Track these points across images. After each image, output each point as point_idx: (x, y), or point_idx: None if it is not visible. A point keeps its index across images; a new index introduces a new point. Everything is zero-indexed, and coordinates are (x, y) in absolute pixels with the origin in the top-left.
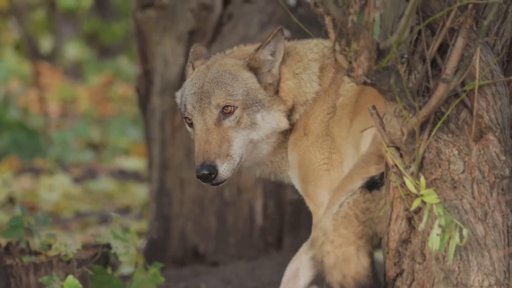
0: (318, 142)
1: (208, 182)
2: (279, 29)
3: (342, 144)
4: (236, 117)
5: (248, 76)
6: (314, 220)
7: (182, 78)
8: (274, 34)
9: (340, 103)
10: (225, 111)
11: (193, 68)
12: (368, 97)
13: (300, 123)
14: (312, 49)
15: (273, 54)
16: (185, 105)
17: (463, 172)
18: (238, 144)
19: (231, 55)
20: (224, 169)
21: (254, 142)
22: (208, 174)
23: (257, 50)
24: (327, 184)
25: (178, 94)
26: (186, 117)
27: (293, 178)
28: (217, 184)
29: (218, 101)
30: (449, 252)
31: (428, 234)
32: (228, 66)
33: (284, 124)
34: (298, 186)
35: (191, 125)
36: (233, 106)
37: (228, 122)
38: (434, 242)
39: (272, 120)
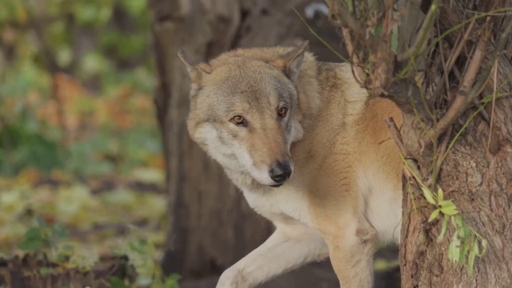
0: (328, 163)
1: (281, 183)
2: (308, 43)
3: (357, 160)
4: (287, 119)
5: (288, 82)
6: (337, 242)
7: None
8: (305, 47)
9: (351, 121)
10: (280, 113)
11: (199, 70)
12: (384, 110)
13: (300, 146)
14: (311, 67)
15: (297, 66)
16: (230, 104)
17: (480, 184)
18: (289, 146)
19: (249, 57)
20: (292, 169)
21: None
22: (287, 174)
23: (289, 59)
24: (351, 204)
25: (201, 96)
26: (234, 116)
27: (290, 202)
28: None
29: (277, 102)
30: (468, 264)
31: (446, 246)
32: (266, 69)
33: (300, 134)
34: (298, 210)
35: (239, 124)
36: (286, 108)
37: (283, 124)
38: (454, 253)
39: (296, 127)
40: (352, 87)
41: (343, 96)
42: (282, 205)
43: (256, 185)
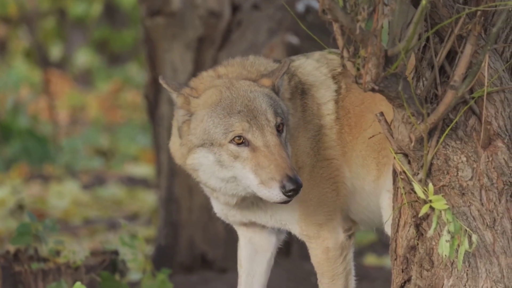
0: (317, 172)
1: (292, 198)
2: (290, 62)
3: (341, 161)
4: (285, 135)
5: (279, 99)
6: (327, 244)
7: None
8: (288, 64)
9: (329, 122)
10: (278, 129)
11: (185, 95)
12: (355, 104)
13: None
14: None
15: (282, 84)
16: (229, 125)
17: (471, 179)
18: None
19: (234, 77)
20: (302, 184)
21: None
22: (299, 188)
23: (275, 78)
24: (340, 206)
25: (194, 121)
26: (234, 137)
27: (278, 215)
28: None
29: (275, 119)
30: (458, 258)
31: (436, 240)
32: (257, 87)
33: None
34: (286, 222)
35: (240, 144)
36: (283, 124)
37: (282, 139)
38: (444, 248)
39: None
40: (319, 88)
41: (314, 100)
42: (268, 218)
43: (239, 204)
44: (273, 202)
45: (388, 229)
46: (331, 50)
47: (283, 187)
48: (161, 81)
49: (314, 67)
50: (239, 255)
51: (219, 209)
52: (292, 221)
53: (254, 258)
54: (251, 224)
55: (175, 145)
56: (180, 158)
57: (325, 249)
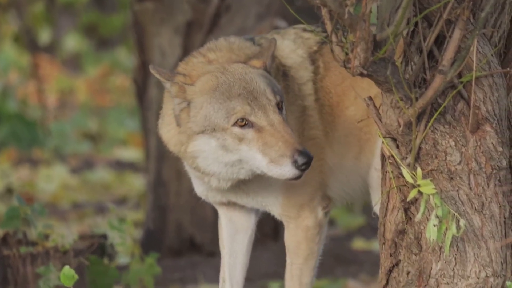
0: None
1: (305, 172)
2: (275, 40)
3: (324, 140)
4: (285, 113)
5: (272, 78)
6: (307, 222)
7: None
8: (274, 44)
9: (311, 102)
10: (279, 107)
11: (180, 84)
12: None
13: None
14: None
15: (270, 64)
16: (230, 109)
17: (459, 163)
18: None
19: (225, 61)
20: (313, 156)
21: None
22: (310, 160)
23: (265, 59)
24: (321, 185)
25: (193, 109)
26: (237, 120)
27: (261, 196)
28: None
29: (275, 98)
30: (445, 243)
31: (425, 225)
32: (251, 69)
33: None
34: (268, 203)
35: (244, 126)
36: (282, 102)
37: (284, 117)
38: (431, 232)
39: None
40: (298, 69)
41: (294, 81)
42: (250, 199)
43: (229, 189)
44: (285, 179)
45: (377, 210)
46: (306, 26)
47: (295, 162)
48: (152, 70)
49: (291, 49)
50: (221, 235)
51: (200, 190)
52: (274, 203)
53: (235, 237)
54: (231, 204)
55: (170, 133)
56: (177, 145)
57: (305, 228)
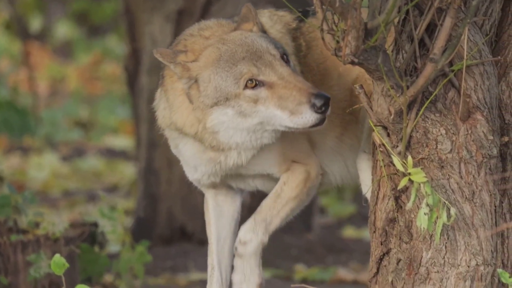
0: None
1: (326, 114)
2: (250, 4)
3: None
4: (292, 65)
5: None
6: (309, 169)
7: None
8: (254, 10)
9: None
10: (284, 60)
11: (182, 63)
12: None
13: None
14: None
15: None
16: (237, 73)
17: (450, 151)
18: None
19: (220, 33)
20: (330, 96)
21: None
22: (328, 100)
23: (255, 20)
24: (309, 147)
25: (202, 84)
26: (246, 82)
27: (262, 165)
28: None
29: (278, 52)
30: (436, 231)
31: (415, 213)
32: (248, 33)
33: None
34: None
35: (255, 87)
36: (287, 55)
37: (292, 67)
38: (422, 221)
39: None
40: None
41: None
42: (248, 171)
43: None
44: (310, 127)
45: (368, 195)
46: (296, 12)
47: (313, 106)
48: (156, 54)
49: (269, 26)
50: (209, 221)
51: (196, 175)
52: (273, 164)
53: (222, 222)
54: (220, 186)
55: (184, 114)
56: (194, 124)
57: (307, 173)
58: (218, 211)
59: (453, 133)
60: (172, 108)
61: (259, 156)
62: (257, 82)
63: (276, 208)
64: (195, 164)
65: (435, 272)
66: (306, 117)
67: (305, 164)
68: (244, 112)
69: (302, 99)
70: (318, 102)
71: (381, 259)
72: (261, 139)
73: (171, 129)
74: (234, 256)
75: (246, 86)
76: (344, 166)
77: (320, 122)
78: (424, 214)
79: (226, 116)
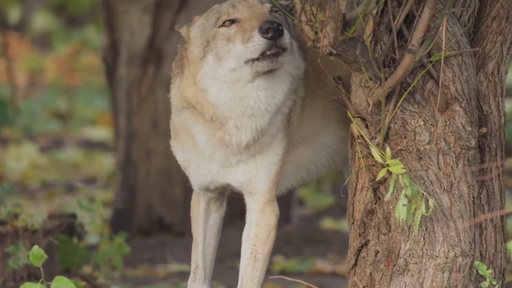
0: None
1: (276, 40)
2: None
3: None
4: (288, 38)
5: None
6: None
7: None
8: None
9: None
10: (271, 14)
11: (186, 27)
12: None
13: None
14: None
15: None
16: (219, 14)
17: (428, 143)
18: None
19: None
20: (287, 36)
21: None
22: (276, 24)
23: None
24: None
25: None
26: (224, 22)
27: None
28: (281, 50)
29: (270, 7)
30: (414, 223)
31: (394, 204)
32: None
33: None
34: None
35: (229, 26)
36: (281, 24)
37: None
38: (401, 212)
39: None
40: None
41: None
42: (245, 172)
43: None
44: (261, 54)
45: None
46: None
47: (260, 29)
48: (177, 28)
49: None
50: (197, 221)
51: (205, 170)
52: (265, 179)
53: (209, 223)
54: (214, 191)
55: (190, 84)
56: (192, 92)
57: (276, 214)
58: (207, 213)
59: (431, 124)
60: (181, 82)
61: (260, 161)
62: (232, 21)
63: (257, 276)
64: (210, 152)
65: (413, 264)
66: (256, 42)
67: (274, 200)
68: (219, 54)
69: (255, 24)
70: (264, 25)
71: (359, 251)
72: (245, 98)
73: (185, 109)
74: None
75: (222, 25)
76: (331, 160)
77: (269, 48)
78: (403, 205)
79: (208, 65)
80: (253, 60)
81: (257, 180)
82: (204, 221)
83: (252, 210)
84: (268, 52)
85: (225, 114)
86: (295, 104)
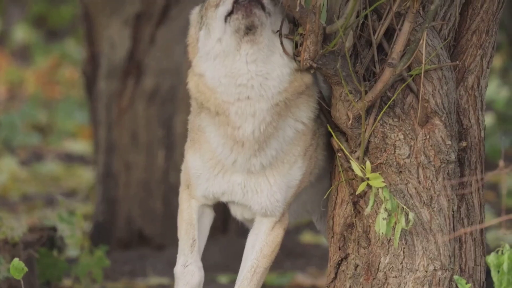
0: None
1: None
2: None
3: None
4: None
5: None
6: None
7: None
8: None
9: None
10: None
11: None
12: None
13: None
14: None
15: None
16: None
17: (408, 156)
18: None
19: None
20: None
21: None
22: None
23: None
24: None
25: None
26: None
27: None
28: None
29: None
30: (394, 236)
31: (373, 218)
32: None
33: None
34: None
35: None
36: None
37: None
38: (381, 226)
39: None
40: None
41: None
42: (260, 191)
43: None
44: (234, 4)
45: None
46: None
47: None
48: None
49: None
50: (191, 220)
51: (239, 181)
52: (279, 198)
53: (199, 226)
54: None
55: (188, 79)
56: (195, 83)
57: (284, 229)
58: (200, 212)
59: (411, 138)
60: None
61: (277, 182)
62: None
63: None
64: (231, 158)
65: (393, 277)
66: (226, 5)
67: (286, 218)
68: (208, 24)
69: None
70: None
71: (339, 264)
72: (237, 76)
73: (202, 110)
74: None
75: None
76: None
77: (240, 8)
78: (383, 219)
79: (200, 42)
80: (229, 14)
81: (274, 199)
82: (197, 217)
83: (262, 225)
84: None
85: (224, 98)
86: (314, 129)
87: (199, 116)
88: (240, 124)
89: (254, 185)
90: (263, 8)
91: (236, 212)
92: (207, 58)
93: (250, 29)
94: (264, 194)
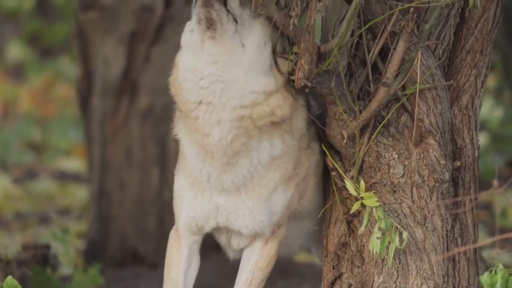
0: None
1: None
2: None
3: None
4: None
5: None
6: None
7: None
8: None
9: None
10: None
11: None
12: None
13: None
14: None
15: None
16: None
17: (402, 176)
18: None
19: None
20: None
21: None
22: None
23: None
24: None
25: None
26: None
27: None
28: None
29: None
30: (388, 255)
31: (367, 237)
32: None
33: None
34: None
35: None
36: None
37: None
38: (375, 245)
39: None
40: None
41: None
42: (247, 209)
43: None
44: (198, 13)
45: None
46: None
47: None
48: None
49: None
50: (180, 265)
51: (197, 196)
52: (270, 219)
53: (188, 273)
54: (200, 234)
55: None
56: (172, 77)
57: (279, 241)
58: (189, 261)
59: (405, 158)
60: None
61: (265, 201)
62: None
63: None
64: (204, 172)
65: None
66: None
67: (281, 231)
68: (195, 14)
69: None
70: None
71: (333, 284)
72: (200, 77)
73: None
74: None
75: None
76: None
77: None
78: (377, 238)
79: (186, 35)
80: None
81: (263, 219)
82: (186, 269)
83: (256, 241)
84: None
85: (188, 97)
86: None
87: (178, 126)
88: (208, 131)
89: (235, 207)
90: (224, 4)
91: (226, 243)
92: (183, 49)
93: (210, 24)
94: (246, 217)
